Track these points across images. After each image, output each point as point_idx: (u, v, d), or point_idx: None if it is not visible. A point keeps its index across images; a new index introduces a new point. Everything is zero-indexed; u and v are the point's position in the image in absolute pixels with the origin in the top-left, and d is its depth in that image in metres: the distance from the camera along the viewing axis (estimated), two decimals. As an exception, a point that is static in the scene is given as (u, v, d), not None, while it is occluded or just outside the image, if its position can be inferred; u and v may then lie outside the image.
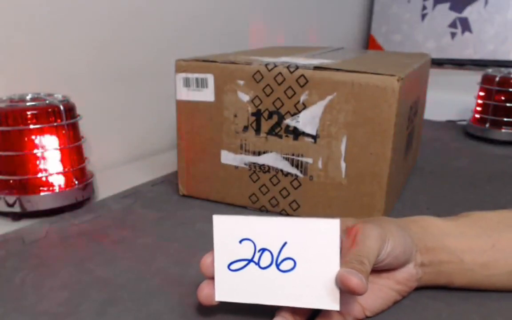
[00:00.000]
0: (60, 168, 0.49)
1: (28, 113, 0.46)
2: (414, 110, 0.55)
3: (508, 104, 0.79)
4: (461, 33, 1.24)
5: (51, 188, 0.48)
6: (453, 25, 1.25)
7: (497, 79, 0.79)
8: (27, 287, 0.36)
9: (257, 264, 0.30)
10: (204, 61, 0.49)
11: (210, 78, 0.49)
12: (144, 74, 0.72)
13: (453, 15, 1.24)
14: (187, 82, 0.51)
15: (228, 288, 0.31)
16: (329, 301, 0.29)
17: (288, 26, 1.06)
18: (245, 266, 0.30)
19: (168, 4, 0.74)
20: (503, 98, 0.79)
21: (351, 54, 0.61)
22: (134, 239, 0.45)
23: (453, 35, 1.25)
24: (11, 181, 0.48)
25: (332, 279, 0.29)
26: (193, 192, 0.55)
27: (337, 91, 0.44)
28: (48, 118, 0.47)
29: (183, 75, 0.50)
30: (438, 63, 1.27)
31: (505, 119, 0.79)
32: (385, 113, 0.42)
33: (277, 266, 0.30)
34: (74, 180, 0.50)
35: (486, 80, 0.81)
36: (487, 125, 0.81)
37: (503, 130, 0.80)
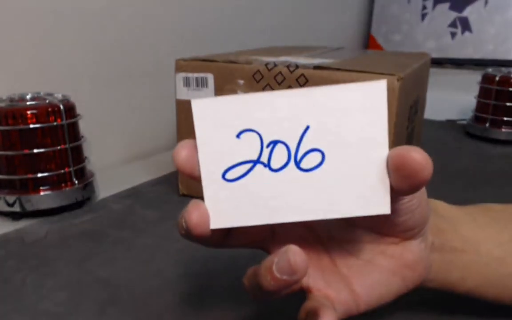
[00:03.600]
0: (60, 168, 0.49)
1: (28, 112, 0.46)
2: (414, 110, 0.55)
3: (508, 104, 0.79)
4: (461, 33, 1.24)
5: (51, 188, 0.48)
6: (453, 25, 1.25)
7: (497, 79, 0.79)
8: (27, 287, 0.36)
9: (267, 165, 0.21)
10: (204, 60, 0.49)
11: (210, 78, 0.49)
12: (144, 73, 0.72)
13: (453, 15, 1.24)
14: (187, 82, 0.50)
15: (227, 208, 0.22)
16: (375, 203, 0.21)
17: (288, 26, 1.06)
18: (248, 171, 0.21)
19: (168, 4, 0.74)
20: (503, 98, 0.79)
21: (351, 54, 0.61)
22: (134, 239, 0.45)
23: (453, 35, 1.25)
24: (11, 181, 0.48)
25: (377, 171, 0.21)
26: (193, 192, 0.55)
27: (337, 90, 0.44)
28: (48, 118, 0.47)
29: (183, 74, 0.50)
30: (438, 63, 1.27)
31: (505, 119, 0.79)
32: (385, 113, 0.42)
33: (297, 164, 0.21)
34: (74, 180, 0.50)
35: (486, 80, 0.81)
36: (487, 125, 0.81)
37: (503, 130, 0.80)
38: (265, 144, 0.21)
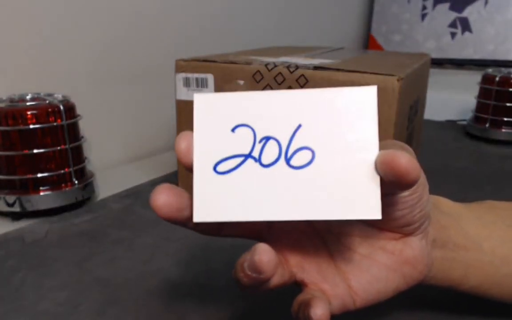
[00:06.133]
0: (60, 168, 0.49)
1: (28, 113, 0.46)
2: (414, 110, 0.55)
3: (508, 104, 0.79)
4: (461, 33, 1.24)
5: (51, 188, 0.48)
6: (453, 25, 1.25)
7: (497, 79, 0.79)
8: (27, 287, 0.36)
9: (258, 160, 0.21)
10: (204, 61, 0.49)
11: (210, 78, 0.49)
12: (144, 73, 0.72)
13: (453, 15, 1.24)
14: (187, 82, 0.50)
15: (214, 201, 0.22)
16: (365, 208, 0.21)
17: (288, 26, 1.06)
18: (239, 164, 0.22)
19: (169, 4, 0.74)
20: (503, 98, 0.79)
21: (351, 54, 0.61)
22: (134, 239, 0.45)
23: (453, 35, 1.25)
24: (11, 181, 0.48)
25: (367, 174, 0.21)
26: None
27: (337, 91, 0.44)
28: (48, 118, 0.47)
29: (183, 75, 0.50)
30: (438, 63, 1.27)
31: (505, 119, 0.79)
32: (385, 113, 0.42)
33: (287, 160, 0.21)
34: (74, 180, 0.50)
35: (486, 80, 0.81)
36: (487, 125, 0.81)
37: (503, 130, 0.80)
38: (257, 139, 0.22)
